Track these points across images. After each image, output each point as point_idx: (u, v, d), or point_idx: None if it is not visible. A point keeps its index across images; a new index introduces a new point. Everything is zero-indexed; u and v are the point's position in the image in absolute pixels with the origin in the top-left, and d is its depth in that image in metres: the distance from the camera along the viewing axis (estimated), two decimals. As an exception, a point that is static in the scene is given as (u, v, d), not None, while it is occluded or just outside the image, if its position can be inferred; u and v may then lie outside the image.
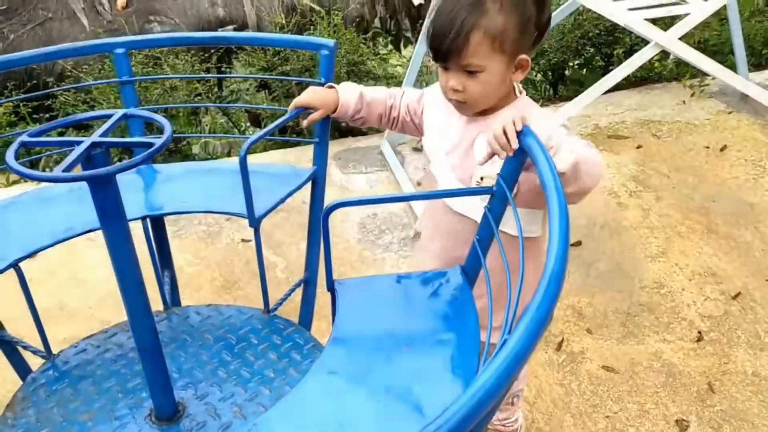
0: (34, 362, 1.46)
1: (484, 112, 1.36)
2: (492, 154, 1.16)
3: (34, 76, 4.02)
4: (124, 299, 1.11)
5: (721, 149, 3.30)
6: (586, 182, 1.19)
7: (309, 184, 1.66)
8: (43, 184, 1.65)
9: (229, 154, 3.60)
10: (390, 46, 4.91)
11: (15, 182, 3.19)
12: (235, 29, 4.48)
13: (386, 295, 1.23)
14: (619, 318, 2.37)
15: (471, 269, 1.26)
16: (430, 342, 1.13)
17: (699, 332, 2.30)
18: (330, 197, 1.47)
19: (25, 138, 1.00)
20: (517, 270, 0.95)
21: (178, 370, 1.35)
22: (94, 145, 0.97)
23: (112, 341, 1.44)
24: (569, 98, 3.50)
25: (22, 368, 1.56)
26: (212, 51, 3.84)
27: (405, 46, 4.95)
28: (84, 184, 0.99)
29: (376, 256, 2.71)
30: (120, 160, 3.41)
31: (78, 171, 0.96)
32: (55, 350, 1.44)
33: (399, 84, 3.61)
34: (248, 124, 3.97)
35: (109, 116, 1.07)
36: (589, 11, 3.84)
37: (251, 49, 3.75)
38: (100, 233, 1.07)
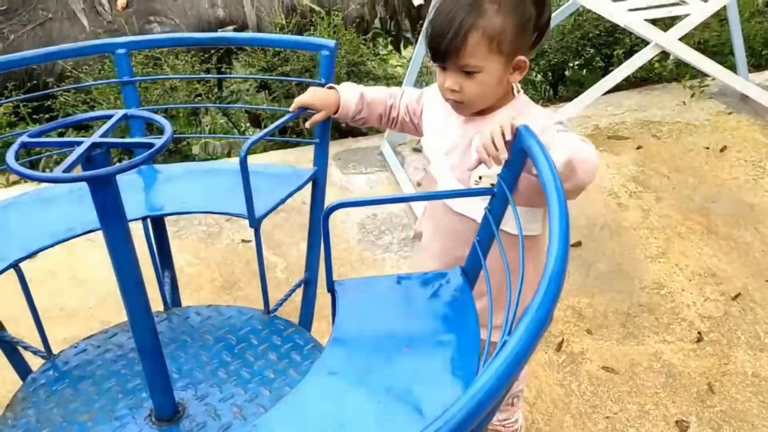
0: (35, 362, 1.46)
1: (482, 112, 1.36)
2: (480, 162, 1.15)
3: (34, 77, 4.02)
4: (124, 299, 1.11)
5: (721, 150, 3.30)
6: (582, 178, 1.18)
7: (309, 185, 1.66)
8: (44, 185, 1.65)
9: (229, 155, 3.60)
10: (390, 47, 4.91)
11: (15, 183, 3.19)
12: (235, 30, 4.48)
13: (386, 296, 1.23)
14: (619, 318, 2.37)
15: (471, 270, 1.26)
16: (430, 343, 1.13)
17: (699, 333, 2.30)
18: (330, 198, 1.47)
19: (25, 138, 1.00)
20: (518, 270, 0.95)
21: (178, 371, 1.35)
22: (94, 145, 0.97)
23: (112, 341, 1.44)
24: (569, 99, 3.50)
25: (22, 368, 1.56)
26: (212, 51, 3.84)
27: (405, 47, 4.95)
28: (84, 184, 0.99)
29: (376, 256, 2.71)
30: (120, 160, 3.41)
31: (78, 171, 0.96)
32: (55, 350, 1.44)
33: (399, 85, 3.61)
34: (248, 124, 3.97)
35: (109, 117, 1.07)
36: (589, 12, 3.84)
37: (251, 50, 3.75)
38: (100, 233, 1.07)
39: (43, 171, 2.98)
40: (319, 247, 1.70)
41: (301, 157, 3.29)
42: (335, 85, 1.52)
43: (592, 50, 4.13)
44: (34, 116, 3.74)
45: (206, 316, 1.50)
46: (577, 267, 2.59)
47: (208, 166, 2.18)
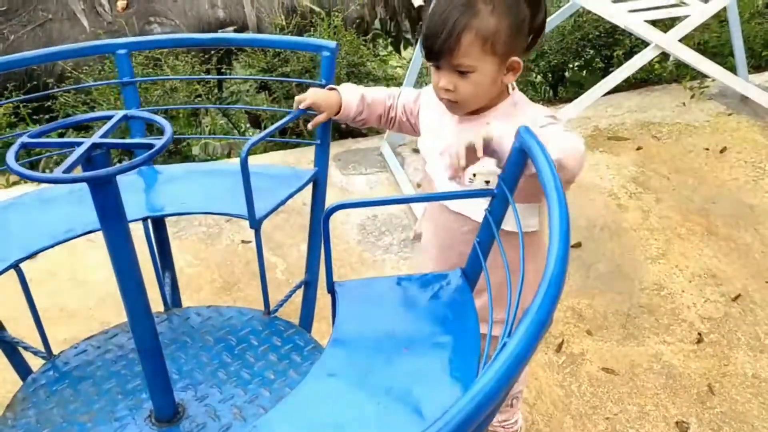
0: (35, 363, 1.47)
1: (476, 112, 1.37)
2: (454, 169, 1.15)
3: (35, 77, 4.02)
4: (125, 300, 1.11)
5: (721, 151, 3.30)
6: (574, 171, 1.19)
7: (309, 186, 1.66)
8: (44, 185, 1.65)
9: (229, 156, 3.60)
10: (390, 48, 4.91)
11: (15, 183, 3.19)
12: (235, 30, 4.48)
13: (386, 297, 1.23)
14: (619, 319, 2.37)
15: (471, 271, 1.26)
16: (430, 344, 1.13)
17: (699, 334, 2.30)
18: (330, 198, 1.47)
19: (25, 139, 1.00)
20: (518, 269, 0.95)
21: (178, 372, 1.35)
22: (94, 146, 0.97)
23: (113, 342, 1.44)
24: (569, 100, 3.50)
25: (22, 369, 1.56)
26: (212, 52, 3.84)
27: (405, 48, 4.95)
28: (84, 185, 0.99)
29: (376, 257, 2.71)
30: (120, 161, 3.41)
31: (78, 172, 0.96)
32: (55, 351, 1.44)
33: (399, 85, 3.61)
34: (248, 125, 3.97)
35: (109, 117, 1.07)
36: (589, 13, 3.84)
37: (251, 51, 3.75)
38: (100, 234, 1.07)
39: (44, 172, 2.98)
40: (320, 248, 1.70)
41: (302, 158, 3.29)
42: (336, 87, 1.52)
43: (592, 51, 4.13)
44: (34, 117, 3.74)
45: (206, 316, 1.50)
46: (577, 268, 2.59)
47: (209, 167, 2.18)
